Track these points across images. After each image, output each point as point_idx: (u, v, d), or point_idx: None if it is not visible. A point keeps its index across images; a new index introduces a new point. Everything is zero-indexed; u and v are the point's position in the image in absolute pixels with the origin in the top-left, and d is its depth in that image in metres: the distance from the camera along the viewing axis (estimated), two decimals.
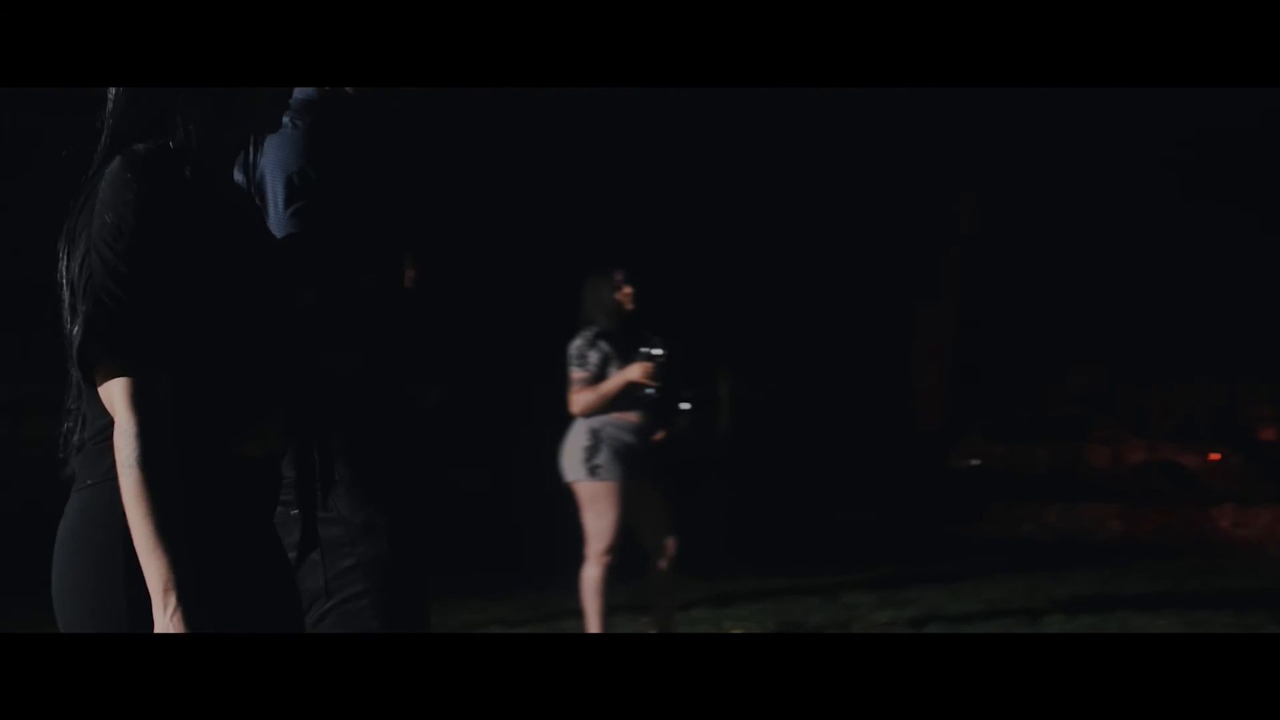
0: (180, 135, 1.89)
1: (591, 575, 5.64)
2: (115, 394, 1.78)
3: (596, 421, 5.64)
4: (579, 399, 5.64)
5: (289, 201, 2.41)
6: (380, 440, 2.51)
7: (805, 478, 14.16)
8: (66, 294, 1.85)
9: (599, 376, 5.63)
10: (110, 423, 1.80)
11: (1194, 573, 10.10)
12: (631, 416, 5.67)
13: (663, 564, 5.83)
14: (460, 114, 11.64)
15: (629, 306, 5.73)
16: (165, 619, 1.72)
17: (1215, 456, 15.65)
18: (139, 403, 1.76)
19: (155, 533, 1.73)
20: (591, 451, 5.61)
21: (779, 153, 14.43)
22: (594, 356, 5.65)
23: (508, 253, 13.70)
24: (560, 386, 5.74)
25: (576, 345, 5.68)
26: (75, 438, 1.91)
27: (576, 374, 5.65)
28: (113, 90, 1.95)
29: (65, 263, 1.87)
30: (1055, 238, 17.00)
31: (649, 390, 5.63)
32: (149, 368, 1.78)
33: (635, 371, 5.59)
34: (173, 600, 1.73)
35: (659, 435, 5.83)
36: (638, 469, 5.68)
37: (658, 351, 5.59)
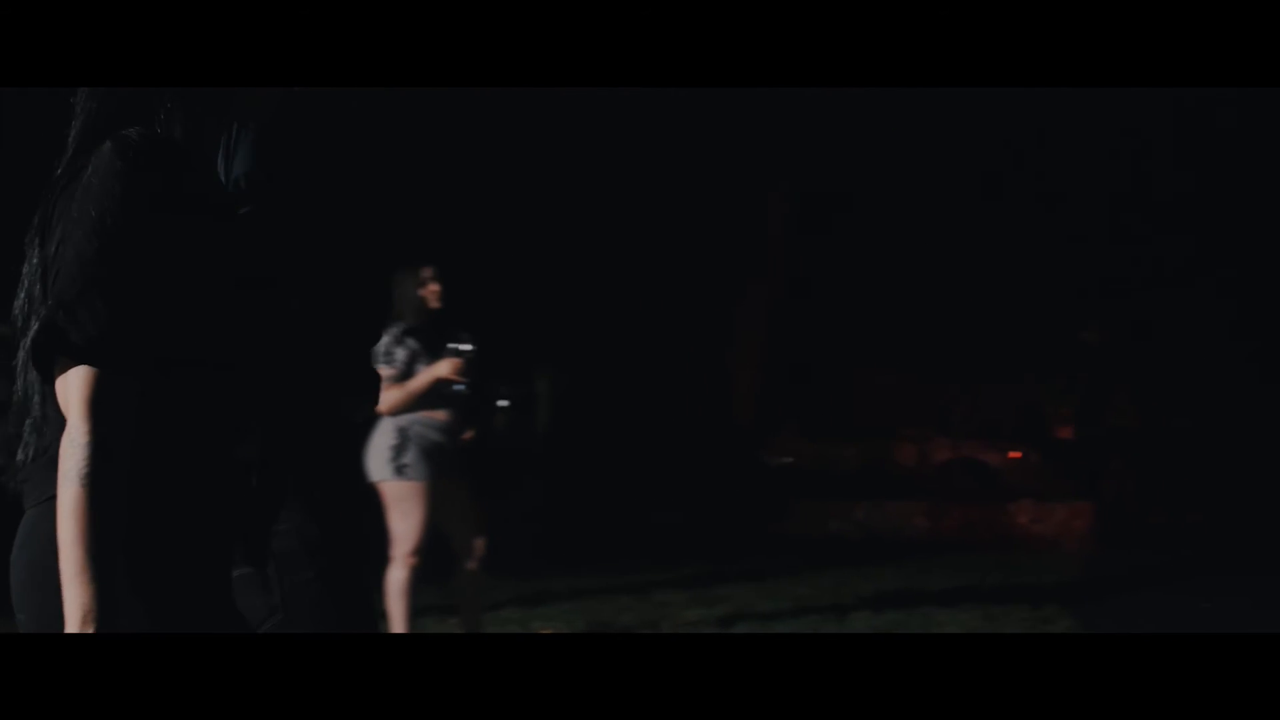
0: (166, 127, 1.77)
1: (397, 577, 5.51)
2: (71, 398, 1.61)
3: (404, 420, 5.52)
4: (385, 397, 5.50)
5: (239, 203, 2.33)
6: (324, 452, 2.44)
7: (620, 475, 14.17)
8: (33, 285, 1.72)
9: (406, 374, 5.51)
10: None
11: (994, 567, 10.40)
12: (440, 415, 5.57)
13: (472, 565, 5.74)
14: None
15: (434, 304, 5.61)
16: None
17: (1016, 455, 16.15)
18: (95, 412, 1.59)
19: (85, 558, 1.56)
20: (398, 450, 5.49)
21: (595, 148, 14.43)
22: (401, 353, 5.52)
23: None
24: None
25: (384, 342, 5.55)
26: (32, 445, 1.74)
27: (383, 371, 5.52)
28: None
29: (38, 252, 1.72)
30: (866, 237, 17.35)
31: (458, 387, 5.53)
32: (112, 373, 1.61)
33: (443, 368, 5.48)
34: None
35: (468, 434, 5.74)
36: (446, 468, 5.58)
37: (466, 347, 5.50)
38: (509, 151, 13.85)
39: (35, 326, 1.64)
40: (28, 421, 1.77)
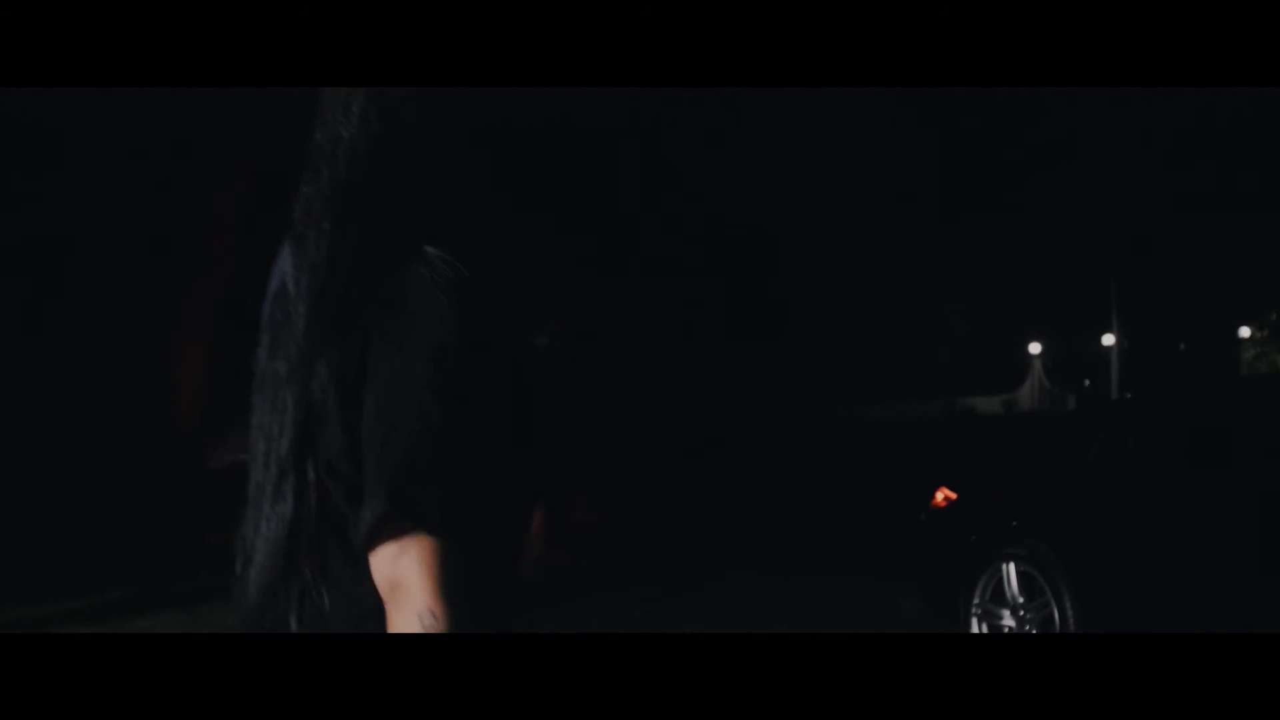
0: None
1: None
2: (420, 573, 1.42)
3: None
4: None
5: None
6: None
7: (40, 482, 13.01)
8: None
9: None
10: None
11: None
12: None
13: None
14: None
15: None
16: None
17: None
18: (452, 588, 1.42)
19: None
20: None
21: None
22: None
23: None
24: None
25: None
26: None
27: None
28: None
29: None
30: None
31: None
32: (459, 541, 1.44)
33: None
34: None
35: None
36: None
37: None
38: None
39: (378, 497, 1.43)
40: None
